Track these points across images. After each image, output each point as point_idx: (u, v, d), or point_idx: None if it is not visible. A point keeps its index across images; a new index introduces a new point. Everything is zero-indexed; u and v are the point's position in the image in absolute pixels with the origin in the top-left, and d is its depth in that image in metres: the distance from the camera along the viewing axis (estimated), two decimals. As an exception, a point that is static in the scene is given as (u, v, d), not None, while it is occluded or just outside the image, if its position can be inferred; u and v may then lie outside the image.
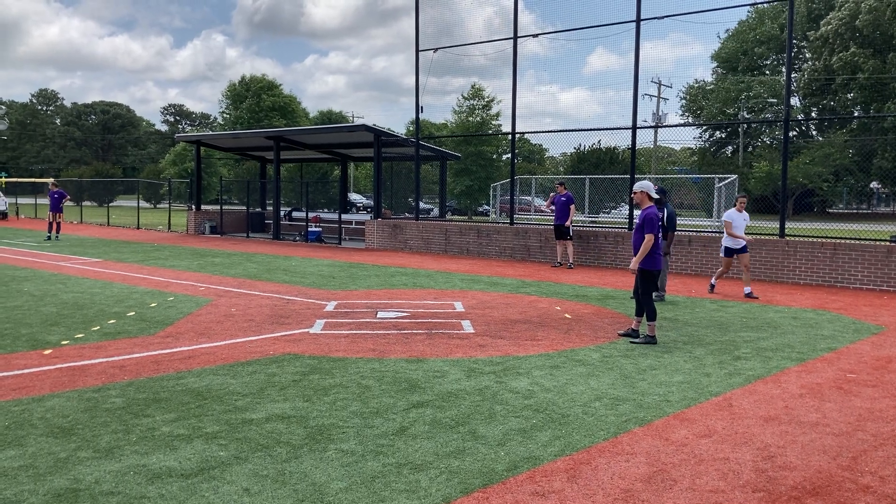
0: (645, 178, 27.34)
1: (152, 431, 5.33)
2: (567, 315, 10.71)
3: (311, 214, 27.56)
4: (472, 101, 50.60)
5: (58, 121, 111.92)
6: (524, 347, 8.42)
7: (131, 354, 7.79)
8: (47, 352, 7.86)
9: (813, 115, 53.78)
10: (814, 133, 56.48)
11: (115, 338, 8.63)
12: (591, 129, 20.51)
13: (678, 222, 13.72)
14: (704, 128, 60.32)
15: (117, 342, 8.40)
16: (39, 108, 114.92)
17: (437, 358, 7.81)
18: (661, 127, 46.23)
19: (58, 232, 24.08)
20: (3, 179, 53.64)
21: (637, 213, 9.45)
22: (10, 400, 6.06)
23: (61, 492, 4.26)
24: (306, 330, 9.28)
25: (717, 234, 16.96)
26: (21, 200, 46.50)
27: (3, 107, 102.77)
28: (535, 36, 19.67)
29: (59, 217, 24.50)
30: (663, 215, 12.19)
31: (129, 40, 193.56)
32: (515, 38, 19.51)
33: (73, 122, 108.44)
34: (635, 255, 8.75)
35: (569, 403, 6.18)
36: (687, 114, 61.97)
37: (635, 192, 8.91)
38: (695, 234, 17.10)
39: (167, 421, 5.57)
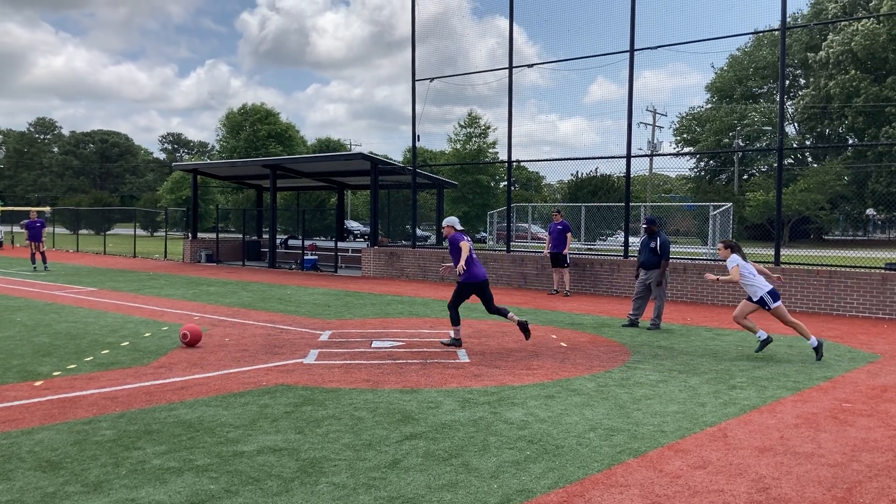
0: (640, 206, 27.41)
1: (143, 464, 5.28)
2: (563, 343, 10.68)
3: (307, 242, 27.57)
4: (468, 130, 50.91)
5: (56, 149, 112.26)
6: (519, 377, 8.39)
7: (124, 385, 7.74)
8: (38, 383, 7.81)
9: (808, 142, 54.17)
10: (809, 160, 56.82)
11: (107, 368, 8.58)
12: (586, 158, 20.56)
13: (672, 250, 13.72)
14: (699, 156, 60.66)
15: (110, 373, 8.35)
16: (37, 136, 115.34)
17: (432, 388, 7.77)
18: (655, 155, 46.54)
19: (45, 261, 23.93)
20: (0, 208, 53.64)
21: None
22: None
23: (48, 527, 4.21)
24: (300, 360, 9.24)
25: (712, 262, 16.98)
26: (17, 229, 46.46)
27: (2, 135, 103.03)
28: (529, 66, 19.85)
29: (42, 246, 24.29)
30: (656, 244, 12.22)
31: (136, 70, 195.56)
32: (511, 67, 19.68)
33: (71, 150, 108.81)
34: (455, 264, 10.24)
35: (563, 434, 6.14)
36: (681, 143, 62.40)
37: (444, 227, 10.69)
38: (690, 261, 17.12)
39: (158, 454, 5.51)
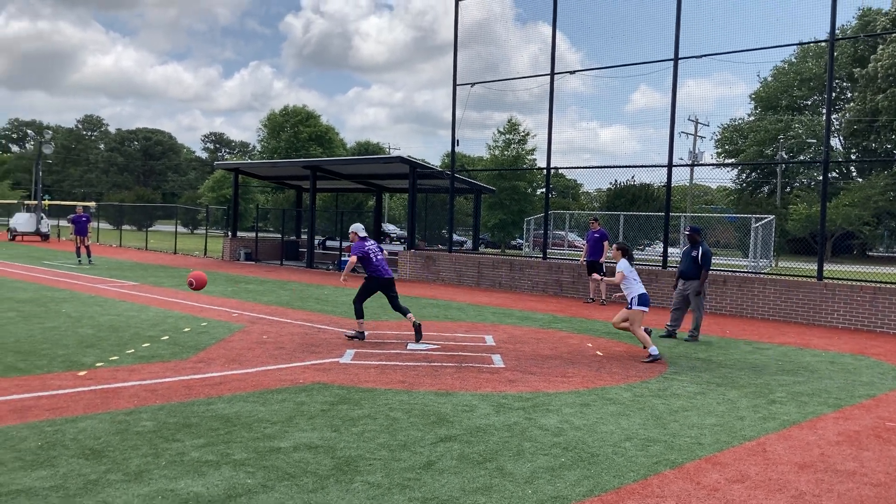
0: (680, 217, 27.11)
1: (181, 456, 5.36)
2: (598, 352, 10.61)
3: (344, 244, 27.76)
4: (507, 136, 50.84)
5: (102, 146, 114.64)
6: (554, 384, 8.35)
7: (163, 378, 7.87)
8: (82, 373, 7.98)
9: (853, 156, 53.12)
10: (854, 175, 55.67)
11: (148, 361, 8.74)
12: (626, 166, 20.38)
13: (713, 261, 13.54)
14: (741, 167, 59.81)
15: (150, 366, 8.50)
16: (84, 133, 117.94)
17: (467, 392, 7.78)
18: (697, 165, 45.98)
19: (89, 255, 24.39)
20: (47, 202, 54.86)
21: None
22: (44, 420, 6.15)
23: (90, 514, 4.30)
24: (336, 359, 9.31)
25: (753, 275, 16.74)
26: (63, 223, 47.51)
27: (50, 131, 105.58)
28: (572, 73, 19.79)
29: (87, 240, 24.74)
30: (698, 253, 12.08)
31: (182, 70, 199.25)
32: (553, 74, 19.64)
33: (117, 147, 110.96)
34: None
35: (599, 443, 6.10)
36: (723, 154, 61.60)
37: (350, 233, 11.51)
38: (730, 273, 16.89)
39: (196, 446, 5.60)
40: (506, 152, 50.77)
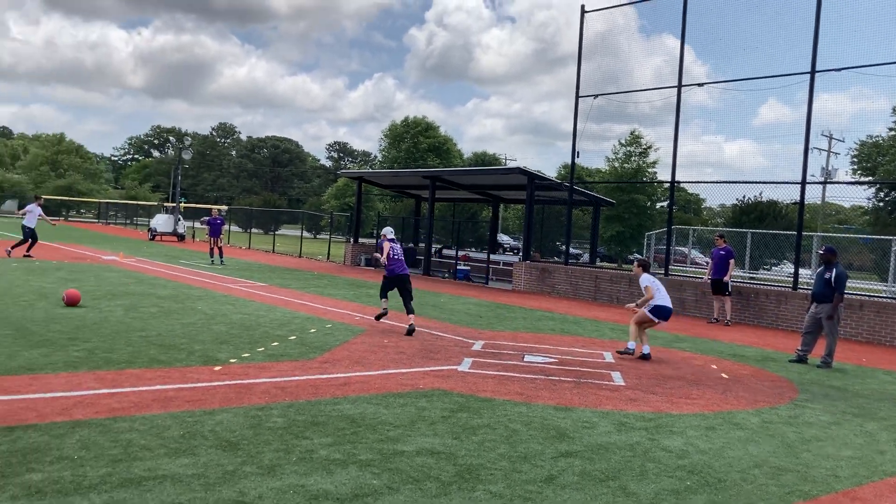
0: (811, 236, 25.77)
1: (310, 453, 5.58)
2: (724, 374, 10.24)
3: (460, 253, 28.02)
4: (628, 148, 49.95)
5: (234, 153, 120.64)
6: (678, 405, 8.14)
7: (292, 377, 8.20)
8: (217, 368, 8.43)
9: None
10: None
11: (277, 359, 9.13)
12: (756, 182, 19.52)
13: (848, 285, 12.83)
14: (879, 186, 56.26)
15: (279, 364, 8.88)
16: (218, 140, 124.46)
17: (586, 408, 7.69)
18: (831, 183, 43.64)
19: (221, 256, 25.58)
20: (183, 204, 58.21)
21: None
22: (185, 411, 6.54)
23: (228, 503, 4.54)
24: (454, 367, 9.42)
25: (891, 300, 15.73)
26: (198, 225, 50.27)
27: (189, 138, 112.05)
28: (700, 85, 19.25)
29: (220, 242, 25.95)
30: (832, 275, 11.48)
31: (310, 81, 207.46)
32: (679, 86, 19.18)
33: (247, 154, 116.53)
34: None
35: (726, 468, 5.90)
36: (859, 171, 58.13)
37: (381, 234, 12.91)
38: (867, 298, 15.93)
39: (324, 444, 5.81)
40: (626, 165, 49.89)
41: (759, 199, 37.64)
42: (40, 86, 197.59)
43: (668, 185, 20.15)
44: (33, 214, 22.64)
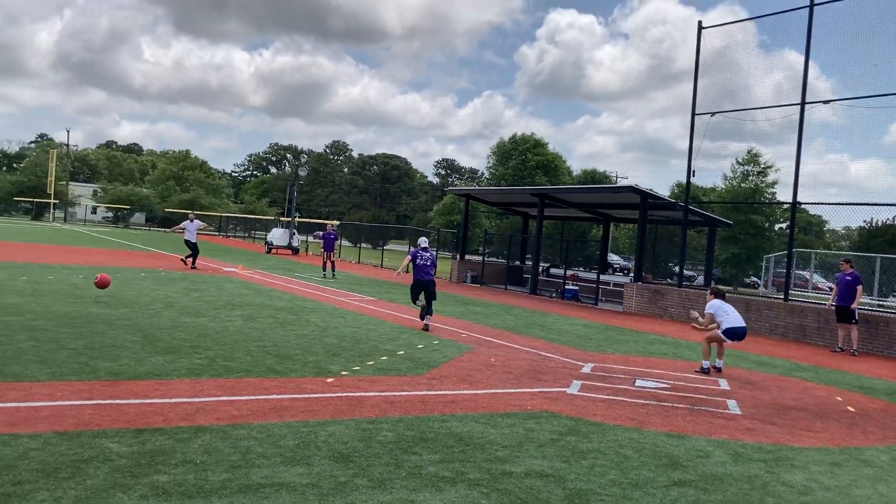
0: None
1: (419, 469, 5.63)
2: (850, 408, 9.67)
3: (568, 272, 27.72)
4: (746, 167, 48.20)
5: (346, 170, 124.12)
6: (799, 438, 7.73)
7: (401, 392, 8.32)
8: (329, 380, 8.65)
9: None
10: None
11: (386, 374, 9.28)
12: (887, 204, 18.43)
13: None
14: None
15: (389, 378, 9.02)
16: (332, 157, 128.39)
17: (700, 436, 7.43)
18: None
19: (333, 269, 26.38)
20: (298, 219, 60.27)
21: None
22: (299, 421, 6.73)
23: (341, 513, 4.63)
24: (563, 389, 9.30)
25: None
26: (311, 239, 51.90)
27: (304, 155, 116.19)
28: (825, 102, 18.36)
29: (333, 256, 26.83)
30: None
31: (420, 99, 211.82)
32: (803, 103, 18.38)
33: (358, 171, 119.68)
34: None
35: (854, 509, 5.56)
36: None
37: (418, 243, 15.03)
38: None
39: (433, 461, 5.85)
40: (743, 184, 48.15)
41: (891, 223, 35.51)
42: (169, 105, 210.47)
43: (789, 206, 19.28)
44: (191, 230, 24.86)
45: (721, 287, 12.58)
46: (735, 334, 11.43)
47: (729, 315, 11.55)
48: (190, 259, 24.49)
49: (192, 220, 25.23)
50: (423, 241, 14.93)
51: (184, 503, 4.59)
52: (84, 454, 5.34)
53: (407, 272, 15.11)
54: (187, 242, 24.81)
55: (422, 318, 14.15)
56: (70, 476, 4.89)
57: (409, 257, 14.72)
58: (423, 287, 14.25)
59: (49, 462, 5.13)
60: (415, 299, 14.49)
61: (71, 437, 5.73)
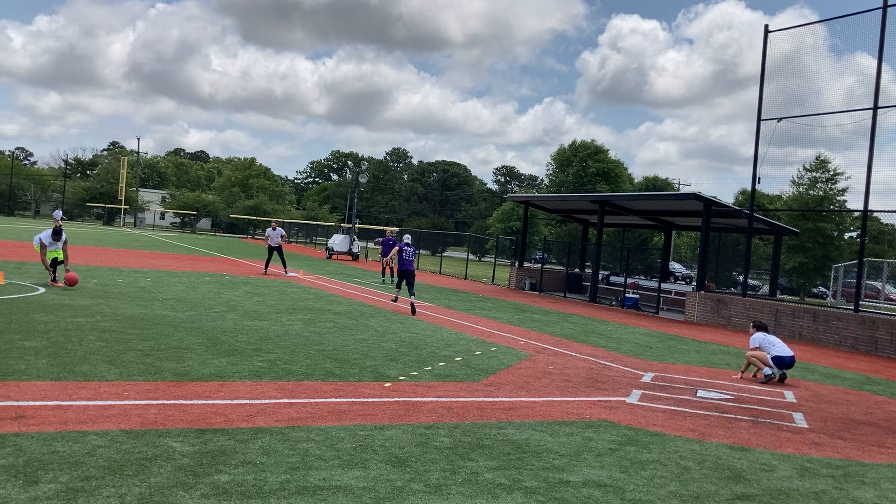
0: None
1: (476, 476, 5.61)
2: (925, 424, 9.27)
3: (629, 280, 27.32)
4: (814, 174, 46.82)
5: (405, 177, 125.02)
6: (870, 454, 7.45)
7: (458, 398, 8.31)
8: (387, 384, 8.69)
9: None
10: None
11: (444, 379, 9.28)
12: (965, 212, 17.68)
13: None
14: None
15: (446, 384, 9.02)
16: (392, 164, 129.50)
17: (765, 449, 7.22)
18: None
19: (392, 275, 26.58)
20: (358, 225, 60.95)
21: None
22: (357, 424, 6.79)
23: (397, 517, 4.65)
24: (622, 398, 9.16)
25: None
26: (371, 245, 52.38)
27: (366, 163, 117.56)
28: (900, 106, 17.69)
29: (392, 262, 26.96)
30: None
31: (480, 106, 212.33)
32: (875, 108, 17.76)
33: (418, 178, 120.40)
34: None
35: (929, 529, 5.32)
36: None
37: (402, 239, 18.22)
38: None
39: (489, 468, 5.82)
40: (810, 191, 46.77)
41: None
42: (235, 113, 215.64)
43: (860, 213, 18.64)
44: (274, 238, 25.42)
45: (762, 321, 12.72)
46: (783, 362, 11.48)
47: (775, 345, 11.70)
48: (283, 267, 25.75)
49: (274, 228, 25.71)
50: (406, 238, 17.94)
51: (243, 503, 4.67)
52: (148, 452, 5.48)
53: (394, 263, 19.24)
54: (272, 249, 25.33)
55: (395, 300, 18.46)
56: (135, 474, 5.03)
57: (397, 248, 17.88)
58: (407, 275, 17.55)
59: (115, 459, 5.28)
60: (399, 285, 18.22)
61: (136, 435, 5.89)
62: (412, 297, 17.11)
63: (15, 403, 6.51)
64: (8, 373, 7.60)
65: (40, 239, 16.57)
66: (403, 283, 17.69)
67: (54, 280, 16.15)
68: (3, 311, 11.60)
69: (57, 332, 10.12)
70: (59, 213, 17.65)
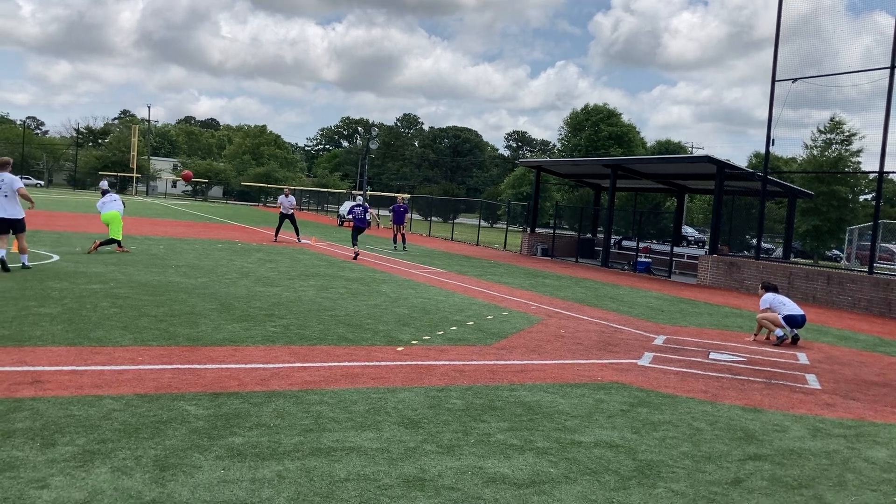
0: None
1: (488, 437, 5.64)
2: (938, 384, 9.24)
3: (641, 244, 27.23)
4: (828, 136, 46.22)
5: (416, 143, 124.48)
6: (882, 414, 7.44)
7: (470, 361, 8.34)
8: (400, 348, 8.74)
9: None
10: None
11: (456, 343, 9.32)
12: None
13: None
14: None
15: (458, 348, 9.05)
16: (402, 130, 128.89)
17: (777, 410, 7.22)
18: None
19: (404, 242, 26.59)
20: (369, 192, 60.85)
21: None
22: (370, 387, 6.83)
23: (410, 479, 4.69)
24: (634, 361, 9.17)
25: None
26: (383, 212, 52.32)
27: (376, 129, 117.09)
28: (918, 64, 17.37)
29: (403, 229, 26.99)
30: None
31: (492, 71, 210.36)
32: (893, 67, 17.46)
33: (429, 144, 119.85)
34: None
35: (941, 487, 5.32)
36: None
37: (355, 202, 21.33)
38: None
39: (501, 429, 5.85)
40: (825, 153, 46.21)
41: None
42: (245, 80, 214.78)
43: (875, 175, 18.43)
44: (286, 205, 25.32)
45: (772, 281, 12.71)
46: (794, 321, 11.47)
47: (786, 304, 11.70)
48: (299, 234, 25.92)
49: (287, 196, 25.52)
50: (359, 199, 22.15)
51: (258, 464, 4.72)
52: (163, 416, 5.54)
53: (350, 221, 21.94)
54: (283, 216, 25.12)
55: (355, 258, 20.46)
56: (150, 436, 5.09)
57: (349, 207, 22.27)
58: (359, 230, 21.29)
59: (131, 423, 5.34)
60: (354, 242, 21.01)
61: (151, 399, 5.95)
62: (355, 247, 20.88)
63: (31, 368, 6.59)
64: (24, 339, 7.68)
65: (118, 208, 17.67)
66: (358, 237, 21.16)
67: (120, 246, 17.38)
68: (18, 279, 11.70)
69: (71, 299, 10.21)
70: (104, 183, 18.77)
